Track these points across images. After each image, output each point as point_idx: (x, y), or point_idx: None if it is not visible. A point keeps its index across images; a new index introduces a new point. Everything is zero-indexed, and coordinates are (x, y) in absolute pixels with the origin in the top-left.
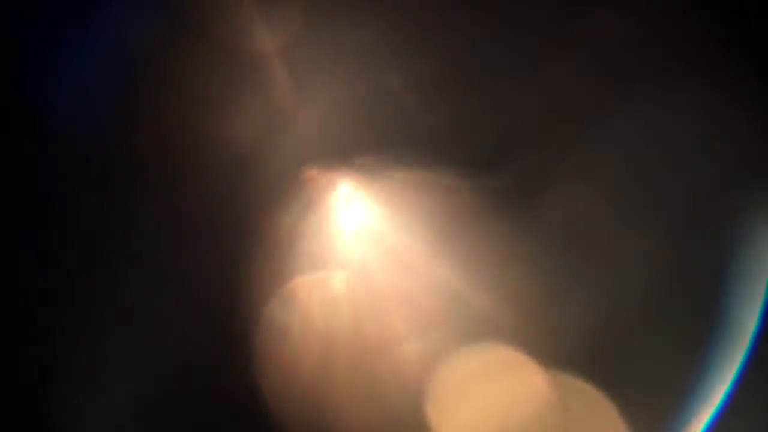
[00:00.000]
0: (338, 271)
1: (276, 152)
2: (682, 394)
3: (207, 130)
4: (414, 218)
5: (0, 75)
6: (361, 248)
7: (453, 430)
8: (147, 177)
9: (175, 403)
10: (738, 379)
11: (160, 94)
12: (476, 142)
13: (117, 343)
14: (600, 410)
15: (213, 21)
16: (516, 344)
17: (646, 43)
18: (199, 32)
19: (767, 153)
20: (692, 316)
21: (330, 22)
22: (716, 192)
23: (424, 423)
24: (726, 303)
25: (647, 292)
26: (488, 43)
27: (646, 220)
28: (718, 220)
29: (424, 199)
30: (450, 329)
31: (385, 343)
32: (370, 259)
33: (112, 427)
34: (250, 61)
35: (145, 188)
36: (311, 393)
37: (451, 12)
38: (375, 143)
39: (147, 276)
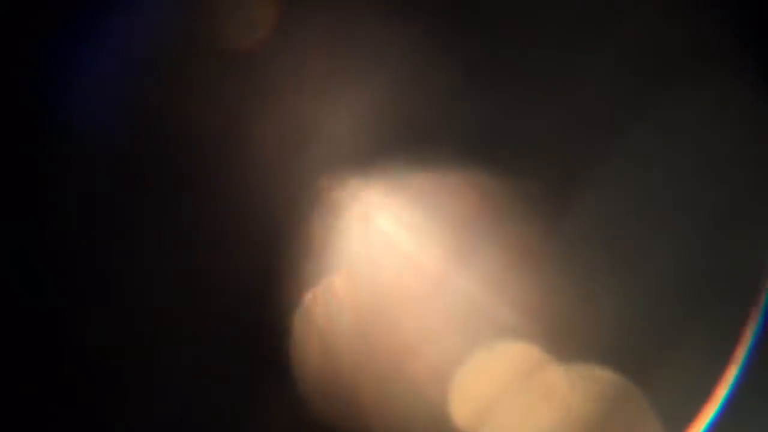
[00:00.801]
0: (361, 276)
1: (297, 159)
2: (712, 396)
3: (223, 135)
4: (438, 222)
5: (5, 76)
6: (385, 252)
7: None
8: (165, 182)
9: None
10: (739, 379)
11: (175, 99)
12: (506, 145)
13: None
14: (630, 409)
15: (227, 26)
16: (546, 345)
17: (677, 45)
18: (214, 37)
19: None
20: (724, 317)
21: (350, 24)
22: (750, 194)
23: (451, 420)
24: (759, 304)
25: (679, 294)
26: (515, 46)
27: (678, 222)
28: (751, 221)
29: (448, 203)
30: (479, 329)
31: (409, 346)
32: (394, 264)
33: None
34: (270, 66)
35: (164, 193)
36: (340, 394)
37: (476, 12)
38: (398, 148)
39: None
